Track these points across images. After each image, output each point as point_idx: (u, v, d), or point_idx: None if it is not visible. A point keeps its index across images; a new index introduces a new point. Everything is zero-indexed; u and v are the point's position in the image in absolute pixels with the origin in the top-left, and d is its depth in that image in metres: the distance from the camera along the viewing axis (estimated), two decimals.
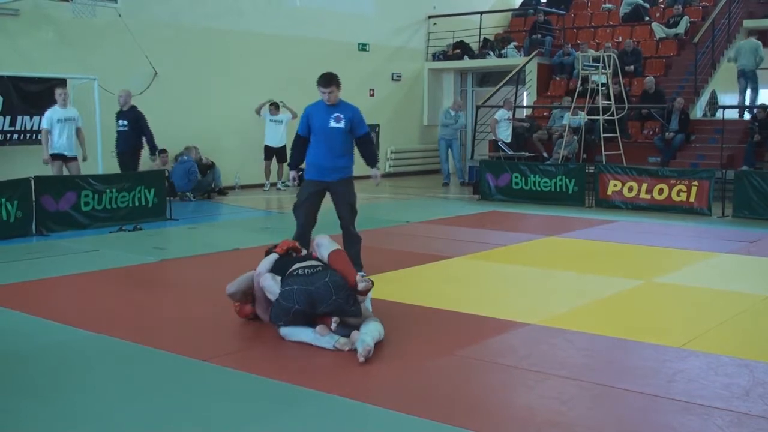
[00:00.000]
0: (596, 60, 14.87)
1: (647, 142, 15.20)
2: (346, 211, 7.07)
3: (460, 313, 5.88)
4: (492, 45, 19.27)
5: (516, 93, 17.00)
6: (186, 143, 13.79)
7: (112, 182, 10.57)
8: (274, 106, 14.82)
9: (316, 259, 5.40)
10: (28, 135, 12.08)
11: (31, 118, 12.01)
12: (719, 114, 15.11)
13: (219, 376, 4.49)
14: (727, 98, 16.84)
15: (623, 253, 8.57)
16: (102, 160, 12.43)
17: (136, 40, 13.18)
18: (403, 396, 4.20)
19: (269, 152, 14.86)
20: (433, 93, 19.49)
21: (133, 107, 11.93)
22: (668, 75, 16.76)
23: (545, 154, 15.45)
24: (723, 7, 16.59)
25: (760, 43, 15.48)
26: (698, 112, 16.12)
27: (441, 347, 5.03)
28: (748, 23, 17.10)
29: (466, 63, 19.16)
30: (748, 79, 15.47)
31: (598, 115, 14.25)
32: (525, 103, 17.92)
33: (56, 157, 11.07)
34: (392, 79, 18.59)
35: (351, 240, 7.01)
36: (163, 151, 13.62)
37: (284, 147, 14.42)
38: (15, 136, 11.99)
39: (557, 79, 17.97)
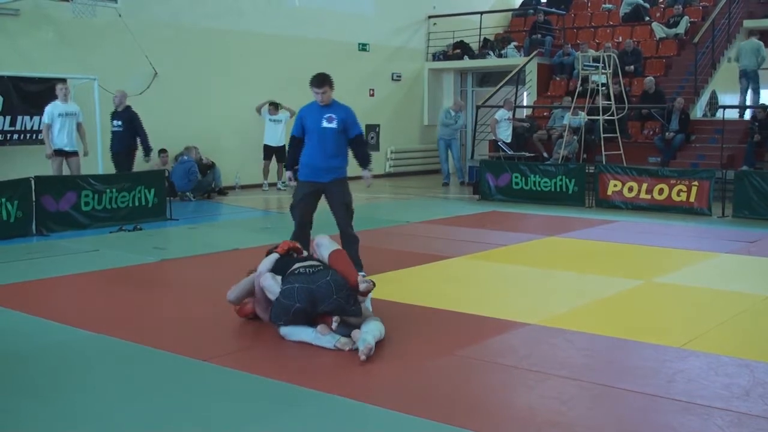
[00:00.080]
0: (596, 60, 14.87)
1: (647, 142, 15.20)
2: (342, 212, 7.07)
3: (460, 313, 5.88)
4: (492, 45, 19.27)
5: (516, 93, 16.99)
6: (186, 143, 13.79)
7: (113, 182, 10.57)
8: (274, 106, 14.82)
9: (317, 259, 5.41)
10: (28, 135, 12.08)
11: (31, 118, 12.01)
12: (719, 114, 15.10)
13: (219, 376, 4.49)
14: (727, 98, 16.83)
15: (623, 253, 8.57)
16: (102, 160, 12.43)
17: (136, 40, 13.18)
18: (403, 396, 4.20)
19: (268, 152, 14.86)
20: (433, 93, 19.49)
21: (128, 107, 11.92)
22: (668, 75, 16.76)
23: (545, 154, 15.45)
24: (723, 7, 16.59)
25: (761, 43, 15.49)
26: (698, 112, 16.12)
27: (441, 347, 5.03)
28: (748, 23, 17.11)
29: (466, 63, 19.16)
30: (749, 79, 15.48)
31: (598, 115, 14.25)
32: (525, 103, 17.91)
33: (57, 152, 11.10)
34: (392, 79, 18.59)
35: (348, 240, 7.01)
36: (163, 151, 13.63)
37: (283, 147, 14.42)
38: (15, 136, 11.99)
39: (557, 79, 17.97)
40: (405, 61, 18.88)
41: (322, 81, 6.84)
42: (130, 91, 12.72)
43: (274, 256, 5.44)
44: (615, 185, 12.36)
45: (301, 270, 5.16)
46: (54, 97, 11.21)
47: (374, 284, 5.27)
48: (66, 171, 11.23)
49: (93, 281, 7.09)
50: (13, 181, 9.52)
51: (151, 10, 13.76)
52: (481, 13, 19.43)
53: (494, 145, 16.08)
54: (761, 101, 15.14)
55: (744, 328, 5.70)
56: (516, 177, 13.21)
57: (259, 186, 14.98)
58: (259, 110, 15.01)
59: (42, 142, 11.48)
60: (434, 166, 18.20)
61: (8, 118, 11.85)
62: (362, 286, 5.15)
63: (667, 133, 14.47)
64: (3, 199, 9.19)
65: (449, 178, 16.49)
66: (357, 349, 4.75)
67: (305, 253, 5.68)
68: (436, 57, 19.31)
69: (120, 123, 11.81)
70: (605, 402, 4.17)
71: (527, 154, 15.44)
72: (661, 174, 12.21)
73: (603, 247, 8.95)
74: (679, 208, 11.69)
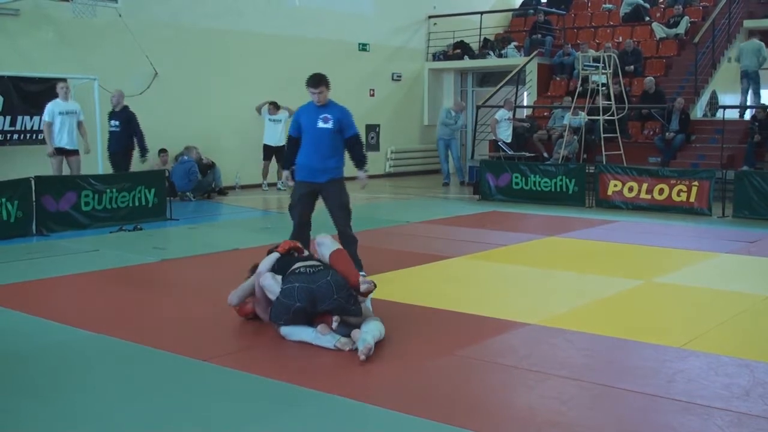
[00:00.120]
0: (596, 60, 14.87)
1: (647, 142, 15.20)
2: (339, 212, 7.06)
3: (460, 313, 5.88)
4: (492, 45, 19.26)
5: (516, 93, 17.00)
6: (186, 143, 13.79)
7: (113, 182, 10.57)
8: (273, 105, 14.82)
9: (318, 259, 5.41)
10: (28, 135, 12.08)
11: (31, 118, 12.01)
12: (719, 114, 15.10)
13: (219, 376, 4.49)
14: (727, 98, 16.84)
15: (623, 253, 8.57)
16: (102, 160, 12.43)
17: (136, 40, 13.18)
18: (403, 396, 4.19)
19: (268, 151, 14.85)
20: (433, 93, 19.49)
21: (126, 107, 11.91)
22: (668, 75, 16.76)
23: (545, 154, 15.45)
24: (723, 8, 16.59)
25: (762, 44, 15.50)
26: (698, 112, 16.12)
27: (441, 347, 5.03)
28: (748, 23, 17.12)
29: (467, 63, 19.16)
30: (750, 80, 15.48)
31: (599, 115, 14.25)
32: (525, 103, 17.91)
33: (57, 151, 11.09)
34: (392, 79, 18.59)
35: (347, 241, 6.98)
36: (163, 151, 13.64)
37: (283, 146, 14.37)
38: (15, 136, 11.99)
39: (557, 79, 17.97)
40: (405, 61, 18.88)
41: (318, 81, 6.84)
42: (131, 91, 12.73)
43: (275, 255, 5.44)
44: (615, 185, 12.36)
45: (301, 269, 5.15)
46: (54, 96, 11.22)
47: (375, 285, 5.26)
48: (66, 170, 11.24)
49: (93, 281, 7.09)
50: (13, 181, 9.52)
51: (151, 10, 13.76)
52: (482, 13, 19.43)
53: (494, 145, 16.08)
54: (761, 102, 15.13)
55: (744, 328, 5.70)
56: (516, 177, 13.21)
57: (259, 186, 14.98)
58: (258, 110, 15.00)
59: (42, 141, 11.48)
60: (434, 166, 18.20)
61: (8, 118, 11.85)
62: (363, 287, 5.15)
63: (667, 133, 14.47)
64: (3, 199, 9.19)
65: (449, 178, 16.49)
66: (357, 349, 4.75)
67: (306, 253, 5.68)
68: (436, 57, 19.31)
69: (117, 123, 11.79)
70: (605, 402, 4.17)
71: (527, 154, 15.44)
72: (661, 174, 12.21)
73: (603, 247, 8.95)
74: (680, 208, 11.69)
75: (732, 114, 15.63)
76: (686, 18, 17.58)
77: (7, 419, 3.89)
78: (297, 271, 5.15)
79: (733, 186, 11.47)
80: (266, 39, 15.52)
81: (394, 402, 4.07)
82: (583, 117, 14.62)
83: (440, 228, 10.26)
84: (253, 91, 15.02)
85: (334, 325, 5.02)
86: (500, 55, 18.79)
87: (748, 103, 15.48)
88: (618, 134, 14.22)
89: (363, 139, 18.63)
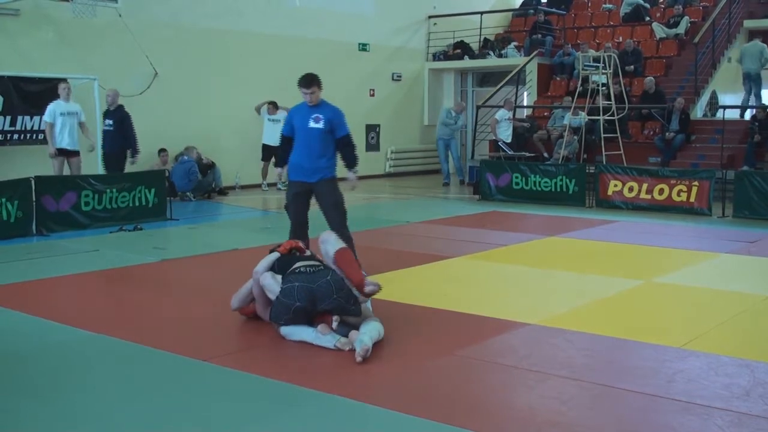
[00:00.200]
0: (596, 60, 14.87)
1: (647, 142, 15.20)
2: (332, 212, 7.04)
3: (460, 313, 5.88)
4: (492, 45, 19.26)
5: (516, 93, 17.00)
6: (186, 143, 13.79)
7: (113, 182, 10.57)
8: (273, 105, 14.82)
9: (318, 258, 5.40)
10: (28, 135, 12.08)
11: (31, 118, 12.01)
12: (719, 114, 15.11)
13: (219, 376, 4.49)
14: (727, 98, 16.84)
15: (623, 253, 8.57)
16: (102, 160, 12.42)
17: (136, 40, 13.18)
18: (403, 396, 4.19)
19: (267, 151, 14.82)
20: (433, 93, 19.49)
21: (120, 107, 11.84)
22: (668, 75, 16.76)
23: (545, 154, 15.44)
24: (723, 8, 16.59)
25: (764, 45, 15.50)
26: (698, 112, 16.12)
27: (441, 347, 5.02)
28: (748, 23, 17.12)
29: (467, 63, 19.16)
30: (752, 82, 15.47)
31: (599, 115, 14.25)
32: (525, 103, 17.91)
33: (59, 151, 11.09)
34: (392, 79, 18.59)
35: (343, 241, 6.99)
36: (163, 150, 13.63)
37: None
38: (15, 136, 11.99)
39: (557, 79, 17.97)
40: (405, 61, 18.88)
41: (310, 81, 6.84)
42: (131, 91, 12.73)
43: (274, 255, 5.44)
44: (615, 185, 12.36)
45: (301, 269, 5.15)
46: (55, 97, 11.22)
47: (380, 288, 5.23)
48: (67, 170, 11.24)
49: (93, 281, 7.10)
50: (13, 181, 9.52)
51: (151, 10, 13.76)
52: (482, 13, 19.43)
53: (494, 145, 16.08)
54: (762, 103, 15.13)
55: (744, 328, 5.70)
56: (516, 177, 13.21)
57: (259, 186, 14.98)
58: (258, 110, 15.00)
59: (42, 141, 11.48)
60: (434, 166, 18.20)
61: (8, 118, 11.85)
62: (368, 289, 5.13)
63: (667, 133, 14.47)
64: (3, 199, 9.19)
65: (449, 178, 16.49)
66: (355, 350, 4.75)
67: (308, 252, 5.67)
68: (436, 57, 19.31)
69: (111, 122, 11.71)
70: (605, 402, 4.17)
71: (527, 154, 15.44)
72: (661, 174, 12.21)
73: (603, 247, 8.94)
74: (680, 208, 11.69)
75: (732, 114, 15.63)
76: (686, 18, 17.59)
77: (7, 419, 3.89)
78: (297, 270, 5.15)
79: (733, 186, 11.47)
80: (266, 39, 15.52)
81: (394, 402, 4.07)
82: (583, 117, 14.62)
83: (440, 228, 10.26)
84: (253, 91, 15.02)
85: (334, 325, 5.02)
86: (500, 55, 18.79)
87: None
88: (618, 134, 14.22)
89: (363, 139, 18.71)
